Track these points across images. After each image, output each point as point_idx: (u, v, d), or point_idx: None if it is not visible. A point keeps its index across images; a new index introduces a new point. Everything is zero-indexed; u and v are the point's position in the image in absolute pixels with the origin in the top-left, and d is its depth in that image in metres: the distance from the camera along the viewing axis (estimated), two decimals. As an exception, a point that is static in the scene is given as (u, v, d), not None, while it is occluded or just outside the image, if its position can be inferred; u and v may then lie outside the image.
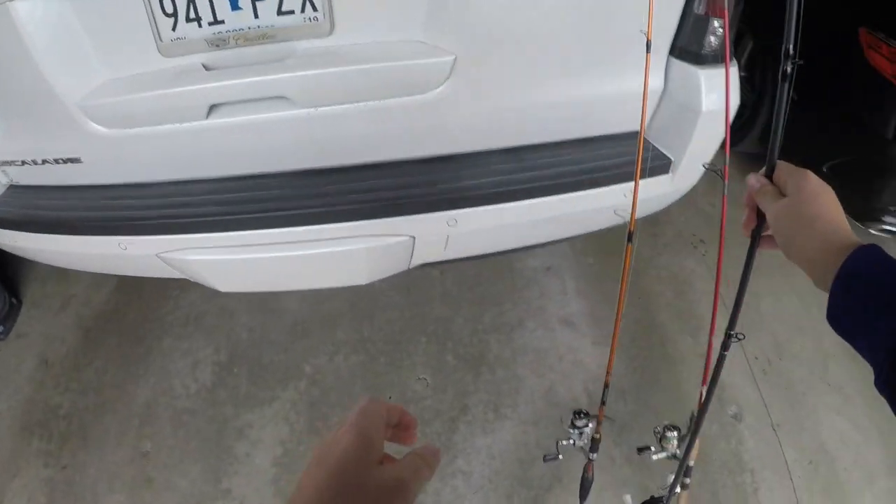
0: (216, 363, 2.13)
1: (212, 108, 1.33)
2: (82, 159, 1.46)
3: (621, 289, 1.21)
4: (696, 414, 1.23)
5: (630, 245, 1.19)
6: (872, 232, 2.43)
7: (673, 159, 1.45)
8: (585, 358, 2.09)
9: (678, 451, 1.35)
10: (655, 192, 1.51)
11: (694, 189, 1.59)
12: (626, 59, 1.36)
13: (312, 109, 1.33)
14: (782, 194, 0.69)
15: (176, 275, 1.58)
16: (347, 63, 1.27)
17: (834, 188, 0.69)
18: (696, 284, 2.35)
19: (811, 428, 1.92)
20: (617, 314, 1.24)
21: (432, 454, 0.49)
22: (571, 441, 1.46)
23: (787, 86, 0.74)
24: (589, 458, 1.47)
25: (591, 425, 1.44)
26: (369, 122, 1.36)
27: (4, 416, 2.02)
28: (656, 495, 1.42)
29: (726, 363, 1.04)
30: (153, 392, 2.06)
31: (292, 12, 1.25)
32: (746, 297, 0.91)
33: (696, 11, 1.35)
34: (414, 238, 1.44)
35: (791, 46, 0.72)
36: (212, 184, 1.50)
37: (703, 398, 1.18)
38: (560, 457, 1.51)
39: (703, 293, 2.30)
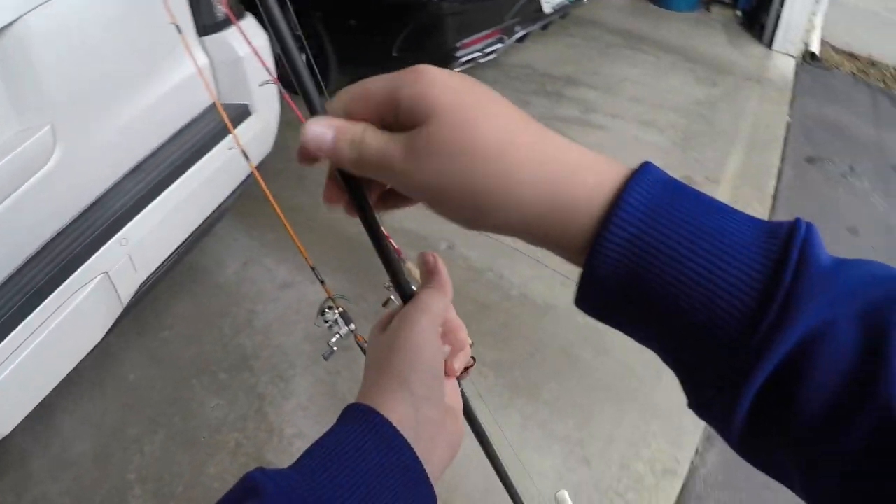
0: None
1: None
2: None
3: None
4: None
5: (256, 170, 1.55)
6: (458, 70, 3.10)
7: (248, 103, 1.85)
8: (310, 296, 2.43)
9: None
10: (253, 133, 1.89)
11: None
12: (174, 55, 1.69)
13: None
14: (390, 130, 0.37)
15: None
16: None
17: (410, 62, 0.41)
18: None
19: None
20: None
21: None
22: (336, 333, 1.82)
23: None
24: (352, 331, 1.84)
25: (334, 309, 1.80)
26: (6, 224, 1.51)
27: None
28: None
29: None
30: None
31: None
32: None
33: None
34: (107, 273, 1.64)
35: None
36: None
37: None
38: (335, 349, 1.87)
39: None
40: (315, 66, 1.01)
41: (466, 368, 0.52)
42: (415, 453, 0.40)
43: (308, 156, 0.38)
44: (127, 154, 1.73)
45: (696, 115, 3.67)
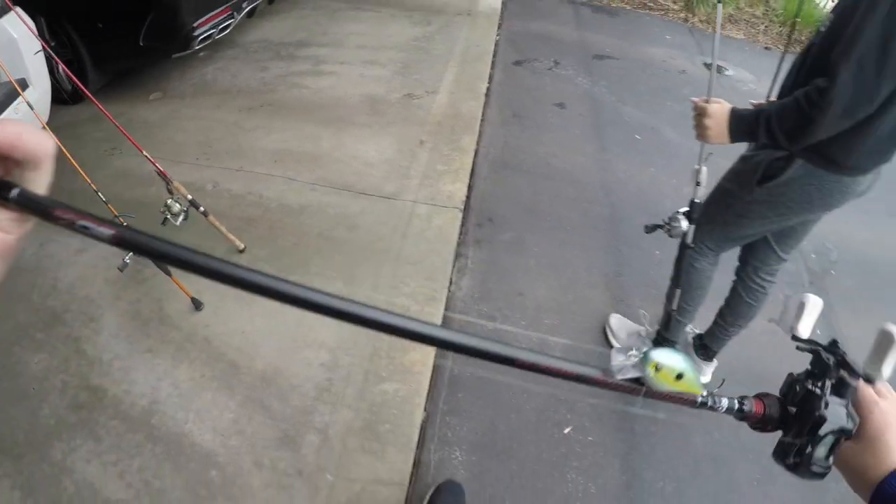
0: None
1: None
2: None
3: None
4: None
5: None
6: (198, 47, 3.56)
7: (25, 77, 2.26)
8: (104, 252, 2.70)
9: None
10: (33, 101, 2.26)
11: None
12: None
13: None
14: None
15: None
16: None
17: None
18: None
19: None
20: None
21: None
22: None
23: None
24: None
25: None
26: None
27: None
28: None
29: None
30: None
31: None
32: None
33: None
34: None
35: None
36: None
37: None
38: (128, 262, 2.28)
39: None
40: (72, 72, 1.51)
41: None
42: None
43: None
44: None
45: (414, 48, 4.37)
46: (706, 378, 2.48)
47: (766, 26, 7.58)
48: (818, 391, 0.59)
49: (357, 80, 3.94)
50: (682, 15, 6.94)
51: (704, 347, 2.41)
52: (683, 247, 2.05)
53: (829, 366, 0.61)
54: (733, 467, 2.20)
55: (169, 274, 2.28)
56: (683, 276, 2.11)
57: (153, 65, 4.09)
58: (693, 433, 2.27)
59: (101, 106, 2.24)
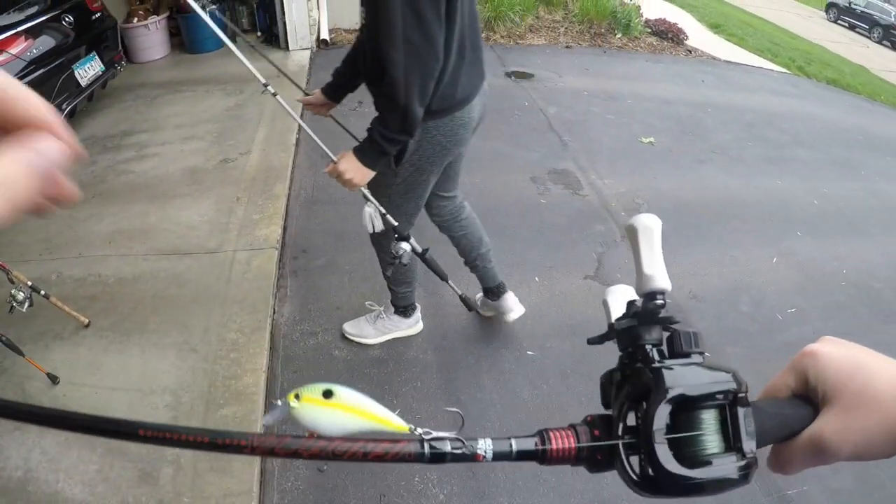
0: None
1: None
2: None
3: None
4: None
5: None
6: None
7: None
8: None
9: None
10: None
11: None
12: None
13: None
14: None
15: None
16: None
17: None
18: None
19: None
20: None
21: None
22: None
23: None
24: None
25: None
26: None
27: None
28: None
29: None
30: None
31: None
32: None
33: None
34: None
35: None
36: None
37: None
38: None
39: None
40: None
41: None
42: None
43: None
44: None
45: (227, 117, 4.86)
46: (519, 310, 2.85)
47: (565, 28, 8.58)
48: (638, 360, 0.46)
49: (177, 156, 4.36)
50: (484, 35, 7.77)
51: (487, 291, 2.80)
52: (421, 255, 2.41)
53: (640, 329, 0.47)
54: (565, 410, 2.68)
55: (22, 354, 2.61)
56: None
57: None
58: (519, 389, 2.77)
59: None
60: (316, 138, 2.25)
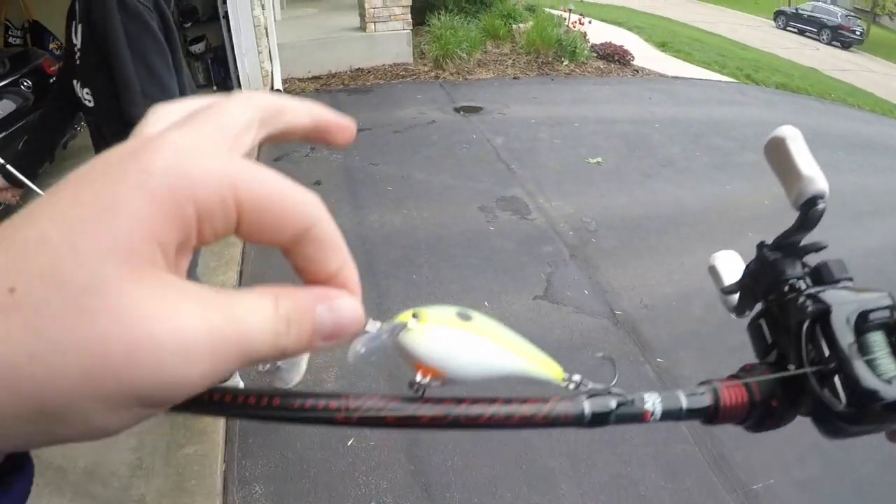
0: None
1: None
2: None
3: None
4: None
5: None
6: None
7: None
8: None
9: None
10: None
11: None
12: None
13: None
14: None
15: None
16: None
17: None
18: None
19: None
20: None
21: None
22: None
23: None
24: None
25: None
26: None
27: None
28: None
29: None
30: None
31: None
32: None
33: None
34: None
35: None
36: None
37: None
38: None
39: None
40: None
41: None
42: None
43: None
44: None
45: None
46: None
47: (513, 60, 8.84)
48: (792, 293, 0.42)
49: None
50: (433, 74, 7.99)
51: None
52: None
53: (785, 261, 0.45)
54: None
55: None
56: None
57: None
58: None
59: None
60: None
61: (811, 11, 23.92)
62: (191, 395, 0.22)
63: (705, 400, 0.38)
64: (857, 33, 23.35)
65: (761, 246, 0.47)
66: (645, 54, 10.04)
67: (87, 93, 1.79)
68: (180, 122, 0.25)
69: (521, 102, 6.99)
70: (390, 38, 8.00)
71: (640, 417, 0.35)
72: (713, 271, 0.51)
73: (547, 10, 10.19)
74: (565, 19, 9.20)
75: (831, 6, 23.71)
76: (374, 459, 2.56)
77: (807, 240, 0.45)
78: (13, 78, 4.47)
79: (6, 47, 5.92)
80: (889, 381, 0.36)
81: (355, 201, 4.55)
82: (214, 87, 6.91)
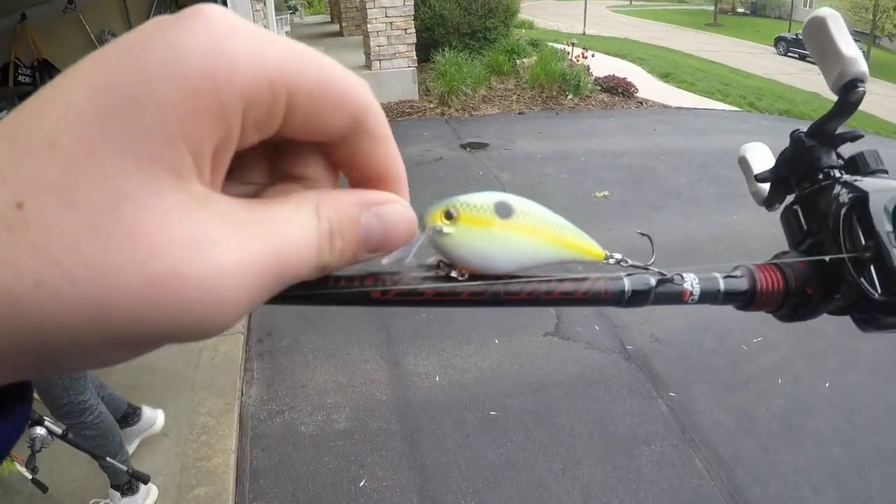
0: None
1: None
2: None
3: None
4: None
5: None
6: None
7: None
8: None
9: None
10: None
11: None
12: None
13: None
14: None
15: None
16: None
17: None
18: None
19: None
20: None
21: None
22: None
23: None
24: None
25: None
26: None
27: None
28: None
29: None
30: None
31: None
32: None
33: None
34: None
35: None
36: None
37: None
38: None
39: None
40: None
41: None
42: None
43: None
44: None
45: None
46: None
47: (517, 95, 8.96)
48: (828, 181, 0.41)
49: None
50: (439, 110, 8.11)
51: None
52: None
53: (820, 149, 0.44)
54: (531, 465, 2.70)
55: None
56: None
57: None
58: (484, 449, 2.79)
59: None
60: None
61: (811, 37, 24.09)
62: (219, 334, 0.19)
63: (743, 284, 0.39)
64: (859, 57, 23.42)
65: (796, 133, 0.46)
66: (648, 85, 10.15)
67: None
68: None
69: (527, 137, 7.08)
70: (395, 76, 8.14)
71: (679, 297, 0.36)
72: (743, 162, 0.51)
73: (550, 44, 10.35)
74: (568, 53, 9.34)
75: (830, 30, 23.84)
76: (387, 500, 2.56)
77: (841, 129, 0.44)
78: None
79: (16, 86, 6.03)
80: None
81: (364, 240, 4.59)
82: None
